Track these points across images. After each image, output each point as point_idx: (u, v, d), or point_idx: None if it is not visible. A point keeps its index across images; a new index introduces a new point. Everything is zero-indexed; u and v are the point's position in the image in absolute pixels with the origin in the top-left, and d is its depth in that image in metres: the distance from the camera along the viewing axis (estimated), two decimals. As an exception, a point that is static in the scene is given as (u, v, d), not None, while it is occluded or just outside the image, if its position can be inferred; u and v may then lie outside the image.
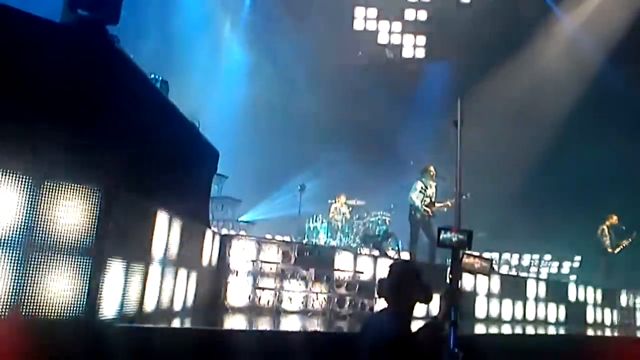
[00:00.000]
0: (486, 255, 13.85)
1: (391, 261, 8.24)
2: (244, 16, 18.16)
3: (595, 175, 14.75)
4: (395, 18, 18.61)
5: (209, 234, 6.99)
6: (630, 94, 15.03)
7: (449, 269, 3.80)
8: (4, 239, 3.82)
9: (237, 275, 7.65)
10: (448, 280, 3.74)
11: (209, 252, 7.09)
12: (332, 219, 12.80)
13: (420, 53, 18.58)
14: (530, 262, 15.95)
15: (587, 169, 14.60)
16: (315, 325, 7.23)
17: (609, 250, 13.15)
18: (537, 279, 11.90)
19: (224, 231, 10.02)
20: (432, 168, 11.54)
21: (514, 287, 10.74)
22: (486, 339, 7.66)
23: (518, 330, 9.44)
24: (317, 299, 8.20)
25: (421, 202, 11.24)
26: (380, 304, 3.70)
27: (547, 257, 15.95)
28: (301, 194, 12.91)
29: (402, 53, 18.58)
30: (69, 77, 4.31)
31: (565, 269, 15.76)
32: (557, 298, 11.29)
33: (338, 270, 8.47)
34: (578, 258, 15.65)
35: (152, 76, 6.73)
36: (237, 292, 7.66)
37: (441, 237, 3.76)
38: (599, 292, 12.06)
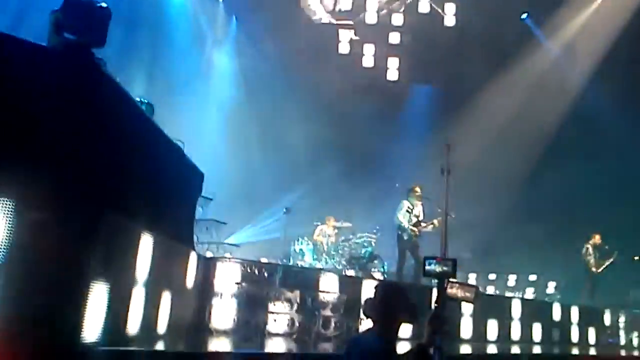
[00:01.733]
0: (471, 276, 13.87)
1: (377, 282, 8.25)
2: (231, 37, 18.32)
3: (578, 195, 14.94)
4: (379, 42, 18.86)
5: (192, 256, 6.98)
6: (612, 113, 15.30)
7: (434, 297, 3.87)
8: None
9: (221, 297, 7.60)
10: (433, 307, 3.82)
11: (192, 274, 7.07)
12: (318, 241, 12.80)
13: (405, 76, 18.77)
14: (515, 283, 15.98)
15: (570, 189, 14.79)
16: (300, 347, 7.22)
17: (593, 269, 13.25)
18: (523, 299, 11.96)
19: (209, 254, 9.99)
20: (417, 188, 11.61)
21: (498, 307, 10.81)
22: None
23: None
24: (302, 321, 8.16)
25: (408, 222, 11.29)
26: (366, 325, 3.74)
27: (532, 277, 15.99)
28: (286, 217, 12.93)
29: (386, 76, 18.79)
30: (55, 100, 4.33)
31: (550, 289, 15.80)
32: (542, 317, 11.36)
33: (323, 292, 8.45)
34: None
35: (138, 99, 6.76)
36: (222, 314, 7.61)
37: (426, 268, 3.85)
38: (583, 311, 12.15)
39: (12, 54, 4.29)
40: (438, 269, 3.83)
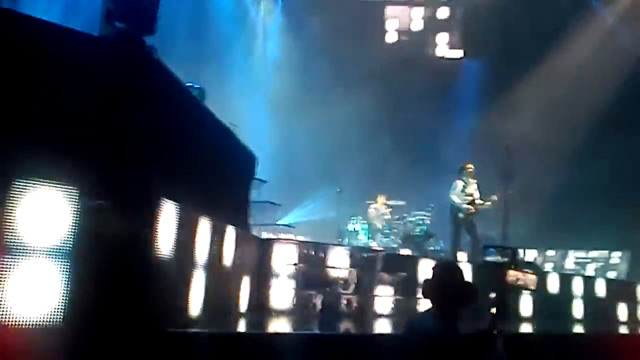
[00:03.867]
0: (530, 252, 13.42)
1: (434, 262, 8.13)
2: (276, 16, 18.29)
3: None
4: (428, 16, 18.53)
5: (248, 237, 7.06)
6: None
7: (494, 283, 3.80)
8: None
9: (278, 278, 7.62)
10: (493, 295, 3.73)
11: (252, 255, 7.17)
12: (372, 220, 12.74)
13: (456, 51, 18.40)
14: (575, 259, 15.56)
15: (630, 162, 14.28)
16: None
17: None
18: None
19: (264, 235, 10.10)
20: (470, 165, 11.37)
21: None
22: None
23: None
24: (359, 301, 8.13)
25: (462, 201, 11.08)
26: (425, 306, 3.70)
27: (593, 253, 15.50)
28: (339, 196, 12.93)
29: (436, 51, 18.50)
30: (108, 90, 4.38)
31: (612, 265, 15.28)
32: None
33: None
34: (618, 254, 15.19)
35: (189, 84, 6.81)
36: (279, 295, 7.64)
37: (486, 258, 3.78)
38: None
39: (65, 44, 4.35)
40: (497, 258, 3.77)
